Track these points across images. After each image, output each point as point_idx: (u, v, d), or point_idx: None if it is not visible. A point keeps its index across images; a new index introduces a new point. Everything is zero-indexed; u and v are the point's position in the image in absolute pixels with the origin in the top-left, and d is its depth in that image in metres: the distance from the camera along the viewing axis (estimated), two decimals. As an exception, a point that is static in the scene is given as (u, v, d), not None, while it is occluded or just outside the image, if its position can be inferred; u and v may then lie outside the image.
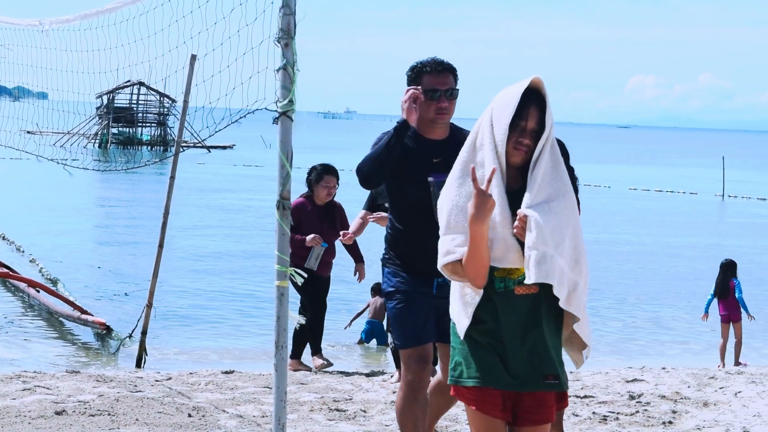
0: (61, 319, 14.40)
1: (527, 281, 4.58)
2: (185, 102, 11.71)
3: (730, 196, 46.78)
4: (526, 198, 4.61)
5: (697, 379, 10.97)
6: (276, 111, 5.63)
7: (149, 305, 11.79)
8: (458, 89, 6.68)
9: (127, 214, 30.91)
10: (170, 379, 10.31)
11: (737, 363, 13.92)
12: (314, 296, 11.59)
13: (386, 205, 10.51)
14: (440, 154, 6.52)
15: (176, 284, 18.10)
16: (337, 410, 8.96)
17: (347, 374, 10.97)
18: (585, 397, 9.86)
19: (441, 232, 4.73)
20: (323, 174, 11.78)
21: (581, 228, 4.77)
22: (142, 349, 11.84)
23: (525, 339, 4.68)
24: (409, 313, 6.58)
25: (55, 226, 26.57)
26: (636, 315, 18.03)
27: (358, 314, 14.45)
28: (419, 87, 6.53)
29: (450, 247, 4.67)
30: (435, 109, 6.53)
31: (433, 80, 6.53)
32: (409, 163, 6.54)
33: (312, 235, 11.47)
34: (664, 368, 11.65)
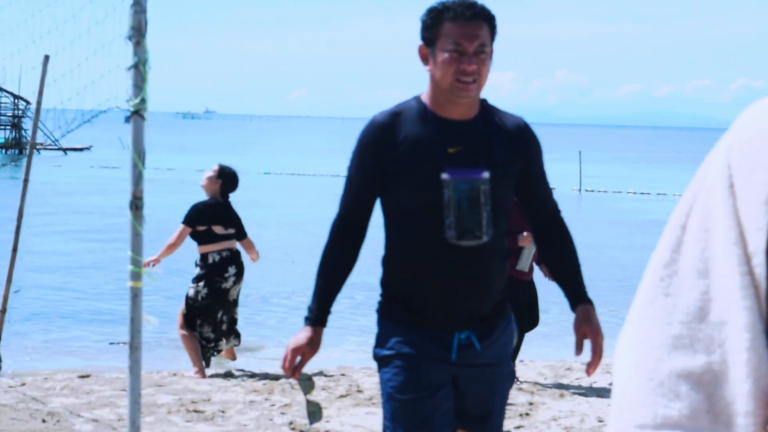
0: None
1: None
2: (38, 103, 11.50)
3: (587, 190, 47.55)
4: None
5: (553, 370, 11.15)
6: (128, 110, 5.57)
7: (3, 311, 11.54)
8: (492, 48, 4.47)
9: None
10: (24, 384, 10.12)
11: None
12: (527, 303, 10.42)
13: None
14: (460, 140, 4.42)
15: (32, 288, 17.76)
16: (195, 411, 8.90)
17: (206, 375, 10.90)
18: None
19: (618, 397, 1.93)
20: None
21: None
22: (-4, 356, 11.60)
23: None
24: (414, 391, 4.44)
25: None
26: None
27: None
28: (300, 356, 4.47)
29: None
30: (456, 71, 4.35)
31: (457, 30, 4.36)
32: (414, 155, 4.40)
33: (525, 233, 10.28)
34: (521, 361, 11.80)
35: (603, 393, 10.08)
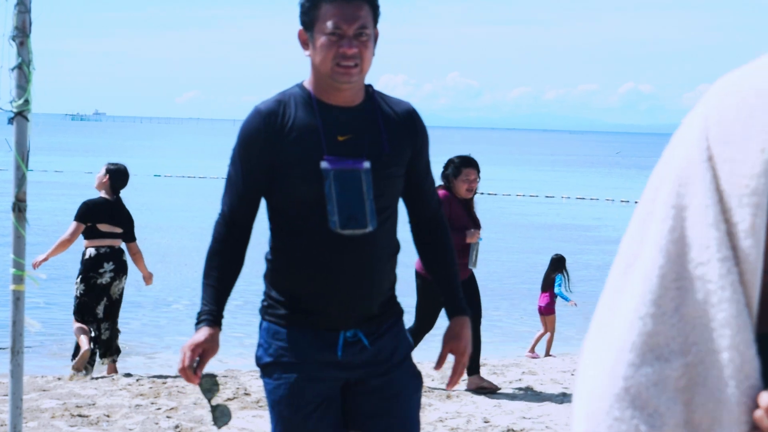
0: None
1: None
2: None
3: (476, 193, 47.90)
4: None
5: (440, 372, 11.22)
6: (11, 111, 5.52)
7: None
8: (376, 29, 4.21)
9: None
10: None
11: (547, 354, 14.09)
12: (434, 304, 10.09)
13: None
14: (348, 128, 4.19)
15: None
16: (80, 416, 8.81)
17: (93, 379, 10.80)
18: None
19: (589, 405, 1.66)
20: (461, 167, 10.36)
21: None
22: None
23: None
24: (297, 408, 4.20)
25: None
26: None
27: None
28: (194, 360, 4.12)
29: None
30: (336, 55, 4.09)
31: (336, 12, 4.09)
32: (302, 144, 4.14)
33: (471, 230, 10.22)
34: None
35: (489, 393, 10.18)
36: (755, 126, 1.56)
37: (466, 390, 10.30)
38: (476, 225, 10.37)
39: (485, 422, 8.94)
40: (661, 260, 1.57)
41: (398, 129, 4.27)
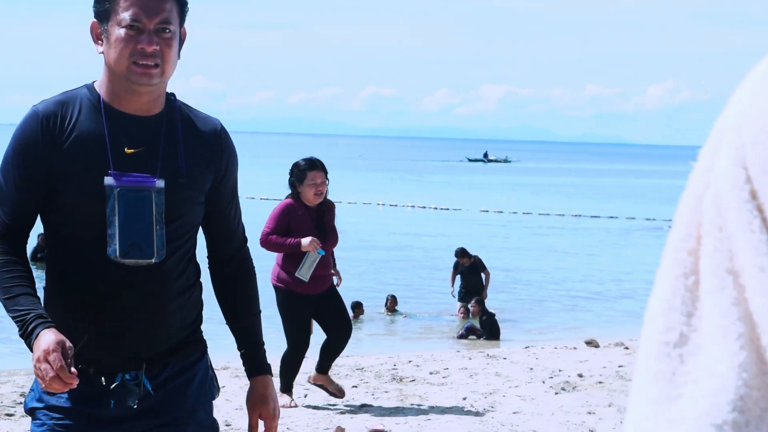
0: None
1: None
2: None
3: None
4: None
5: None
6: None
7: None
8: (183, 29, 3.67)
9: None
10: None
11: None
12: (300, 319, 9.75)
13: None
14: (140, 140, 3.60)
15: None
16: None
17: None
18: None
19: None
20: (307, 171, 9.57)
21: None
22: None
23: None
24: None
25: None
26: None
27: None
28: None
29: None
30: (133, 52, 3.51)
31: (135, 2, 3.52)
32: (84, 155, 3.54)
33: (309, 238, 9.44)
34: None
35: (231, 397, 10.21)
36: None
37: (312, 384, 10.09)
38: (327, 234, 9.73)
39: (227, 425, 8.98)
40: (735, 347, 1.01)
41: (200, 148, 3.72)
